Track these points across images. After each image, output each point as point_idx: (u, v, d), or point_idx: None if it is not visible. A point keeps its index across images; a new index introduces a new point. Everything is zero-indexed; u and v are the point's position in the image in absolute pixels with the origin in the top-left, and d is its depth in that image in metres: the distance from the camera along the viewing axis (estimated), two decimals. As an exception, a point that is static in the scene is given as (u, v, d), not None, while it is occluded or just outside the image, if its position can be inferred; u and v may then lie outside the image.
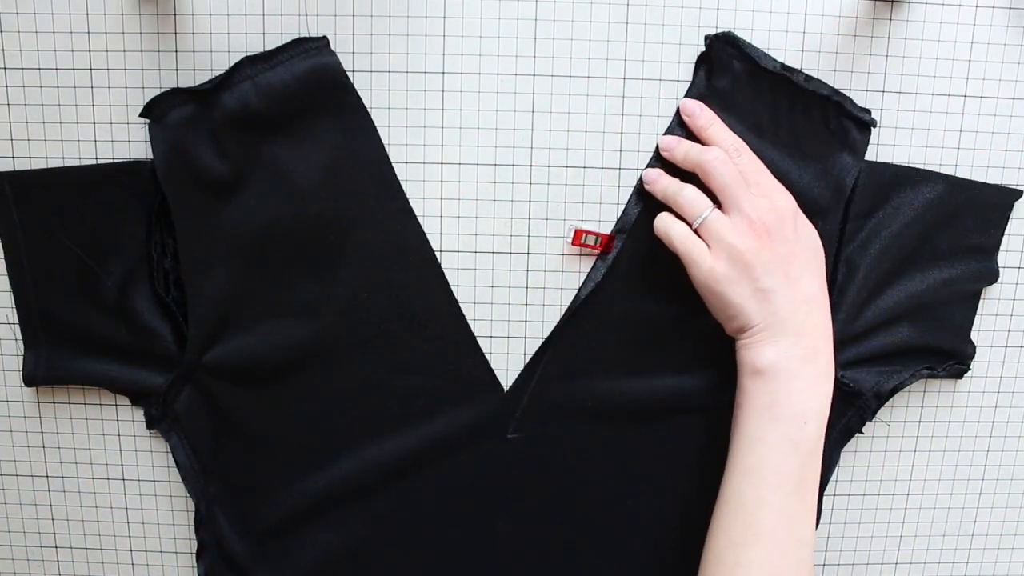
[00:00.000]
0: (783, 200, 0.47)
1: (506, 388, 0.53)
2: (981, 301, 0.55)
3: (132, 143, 0.51)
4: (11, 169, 0.51)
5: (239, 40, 0.49)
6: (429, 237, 0.51)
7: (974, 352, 0.55)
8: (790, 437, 0.45)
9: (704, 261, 0.46)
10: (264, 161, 0.49)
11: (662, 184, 0.49)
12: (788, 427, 0.45)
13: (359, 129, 0.50)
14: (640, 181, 0.51)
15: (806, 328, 0.46)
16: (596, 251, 0.51)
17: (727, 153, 0.47)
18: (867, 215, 0.52)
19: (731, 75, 0.49)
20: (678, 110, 0.50)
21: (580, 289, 0.52)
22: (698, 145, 0.48)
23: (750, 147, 0.49)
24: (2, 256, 0.52)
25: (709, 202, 0.47)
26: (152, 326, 0.51)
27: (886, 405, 0.54)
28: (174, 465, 0.54)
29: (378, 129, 0.50)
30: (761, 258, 0.45)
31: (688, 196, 0.47)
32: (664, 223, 0.48)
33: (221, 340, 0.51)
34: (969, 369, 0.55)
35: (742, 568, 0.44)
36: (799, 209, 0.47)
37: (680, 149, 0.49)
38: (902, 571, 0.59)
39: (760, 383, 0.46)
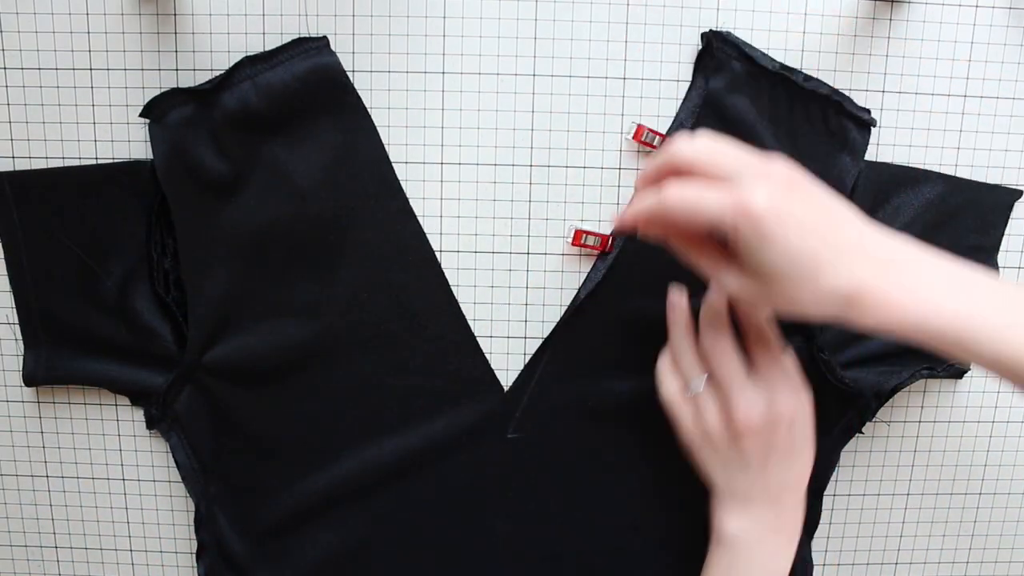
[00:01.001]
0: (784, 403, 0.44)
1: (506, 388, 0.53)
2: (981, 301, 0.55)
3: (132, 143, 0.51)
4: (11, 169, 0.51)
5: (239, 40, 0.49)
6: (429, 237, 0.51)
7: (974, 352, 0.55)
8: None
9: (684, 427, 0.46)
10: (264, 161, 0.49)
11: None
12: None
13: (359, 129, 0.50)
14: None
15: (779, 498, 0.45)
16: (596, 251, 0.51)
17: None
18: (867, 215, 0.52)
19: (730, 75, 0.49)
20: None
21: (580, 289, 0.52)
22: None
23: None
24: (2, 256, 0.52)
25: (699, 370, 0.46)
26: (152, 326, 0.51)
27: (886, 405, 0.54)
28: (174, 465, 0.54)
29: (378, 129, 0.50)
30: (734, 449, 0.45)
31: (685, 362, 0.47)
32: (659, 374, 0.48)
33: (221, 340, 0.51)
34: (969, 369, 0.55)
35: None
36: (803, 414, 0.45)
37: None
38: (902, 571, 0.59)
39: (721, 550, 0.46)
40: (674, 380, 0.47)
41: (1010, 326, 0.35)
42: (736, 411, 0.44)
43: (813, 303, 0.37)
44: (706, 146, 0.39)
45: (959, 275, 0.37)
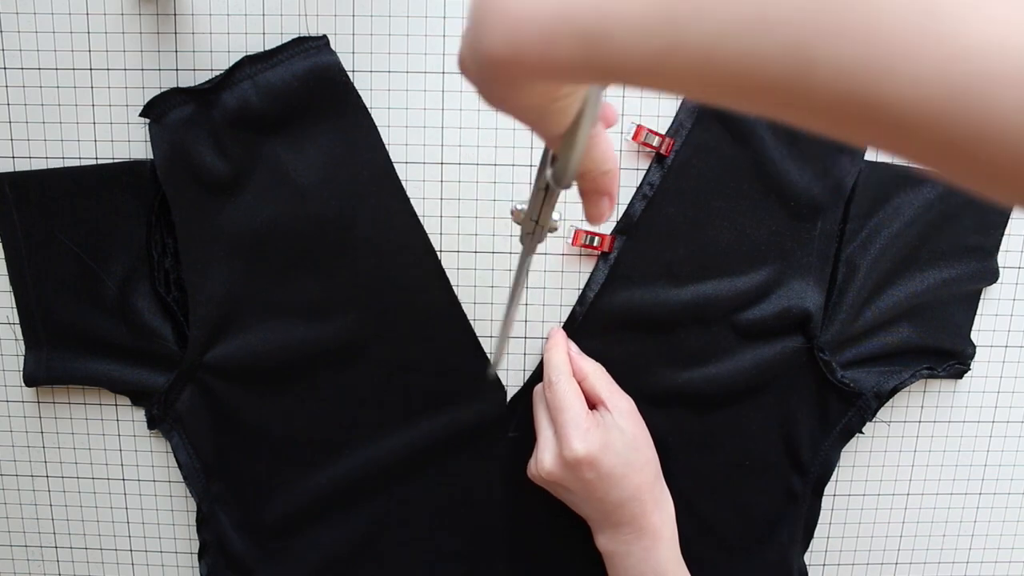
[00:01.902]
0: (577, 444, 0.47)
1: (507, 388, 0.53)
2: (981, 301, 0.55)
3: (132, 143, 0.51)
4: (11, 169, 0.51)
5: (239, 40, 0.49)
6: (429, 237, 0.51)
7: (974, 352, 0.55)
8: None
9: (539, 464, 0.48)
10: (264, 160, 0.49)
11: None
12: None
13: (359, 128, 0.50)
14: (642, 182, 0.51)
15: (624, 520, 0.48)
16: (596, 251, 0.51)
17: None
18: (867, 215, 0.52)
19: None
20: None
21: (585, 290, 0.52)
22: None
23: (749, 147, 0.49)
24: (2, 256, 0.52)
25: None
26: (153, 326, 0.51)
27: (886, 405, 0.54)
28: (174, 465, 0.54)
29: (378, 129, 0.50)
30: (569, 490, 0.48)
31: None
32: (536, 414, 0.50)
33: (222, 339, 0.51)
34: (969, 369, 0.55)
35: None
36: (607, 451, 0.47)
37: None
38: (902, 571, 0.59)
39: (606, 561, 0.50)
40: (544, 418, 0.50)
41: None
42: (564, 454, 0.47)
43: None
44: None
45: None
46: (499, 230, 0.52)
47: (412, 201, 0.51)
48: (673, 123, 0.50)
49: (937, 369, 0.54)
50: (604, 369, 0.51)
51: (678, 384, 0.52)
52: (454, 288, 0.52)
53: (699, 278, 0.51)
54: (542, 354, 0.53)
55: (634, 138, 0.50)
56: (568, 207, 0.51)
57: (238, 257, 0.50)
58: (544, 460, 0.47)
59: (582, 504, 0.49)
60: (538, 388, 0.51)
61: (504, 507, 0.54)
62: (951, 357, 0.55)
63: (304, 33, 0.49)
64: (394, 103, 0.50)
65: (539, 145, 0.51)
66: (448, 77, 0.50)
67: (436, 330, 0.52)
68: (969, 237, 0.53)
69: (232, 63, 0.47)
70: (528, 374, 0.53)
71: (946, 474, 0.57)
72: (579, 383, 0.50)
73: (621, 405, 0.49)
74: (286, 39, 0.48)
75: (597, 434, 0.47)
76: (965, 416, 0.57)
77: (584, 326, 0.52)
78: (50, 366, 0.52)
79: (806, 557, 0.57)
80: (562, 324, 0.52)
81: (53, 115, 0.50)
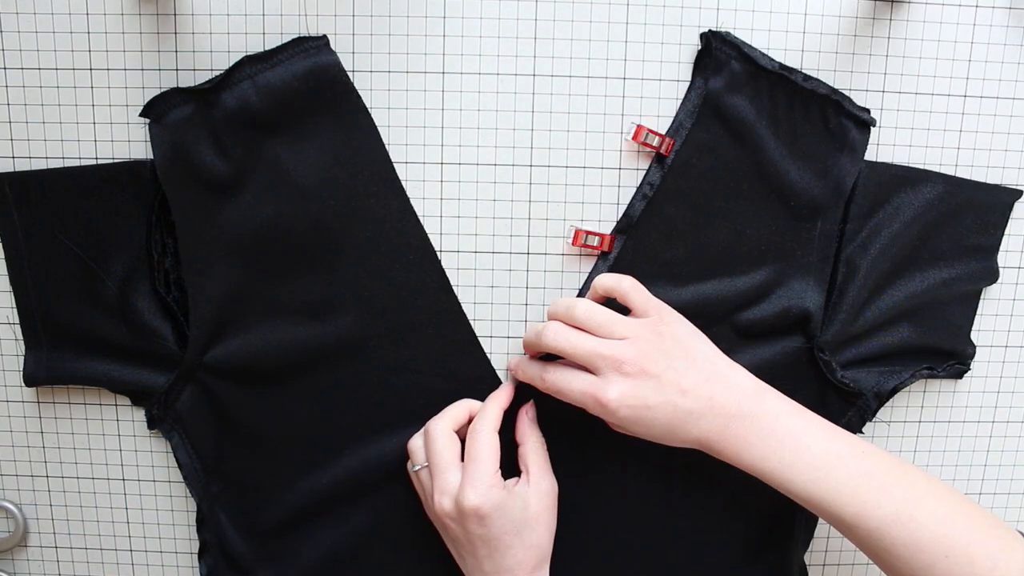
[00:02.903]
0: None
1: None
2: (981, 301, 0.55)
3: (132, 143, 0.51)
4: (11, 169, 0.51)
5: (239, 40, 0.49)
6: (429, 237, 0.51)
7: (974, 352, 0.55)
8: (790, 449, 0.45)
9: (436, 503, 0.47)
10: (265, 160, 0.49)
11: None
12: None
13: (359, 128, 0.50)
14: (642, 182, 0.51)
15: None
16: (596, 251, 0.51)
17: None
18: (867, 215, 0.52)
19: (730, 75, 0.49)
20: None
21: (585, 290, 0.52)
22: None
23: (749, 147, 0.49)
24: (2, 256, 0.52)
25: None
26: (153, 326, 0.51)
27: (886, 405, 0.54)
28: (174, 465, 0.54)
29: (378, 129, 0.50)
30: (454, 539, 0.48)
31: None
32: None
33: (222, 339, 0.51)
34: (969, 369, 0.55)
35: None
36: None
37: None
38: (902, 571, 0.59)
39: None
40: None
41: (816, 480, 0.44)
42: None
43: (672, 444, 0.46)
44: (564, 337, 0.46)
45: (780, 432, 0.45)
46: (499, 230, 0.52)
47: (412, 201, 0.51)
48: (673, 123, 0.50)
49: (937, 369, 0.54)
50: (545, 447, 0.50)
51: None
52: (453, 288, 0.52)
53: (699, 278, 0.51)
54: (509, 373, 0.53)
55: (634, 138, 0.50)
56: (568, 207, 0.51)
57: (238, 257, 0.50)
58: (442, 501, 0.47)
59: (464, 557, 0.48)
60: (443, 426, 0.49)
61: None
62: (951, 357, 0.55)
63: (304, 33, 0.49)
64: (394, 103, 0.50)
65: (539, 145, 0.51)
66: (448, 77, 0.50)
67: (436, 330, 0.52)
68: (969, 237, 0.53)
69: (232, 63, 0.47)
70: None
71: (946, 474, 0.57)
72: (518, 446, 0.50)
73: (542, 485, 0.48)
74: (286, 39, 0.48)
75: (497, 494, 0.46)
76: (965, 416, 0.57)
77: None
78: (50, 366, 0.52)
79: (806, 557, 0.57)
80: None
81: (53, 115, 0.50)
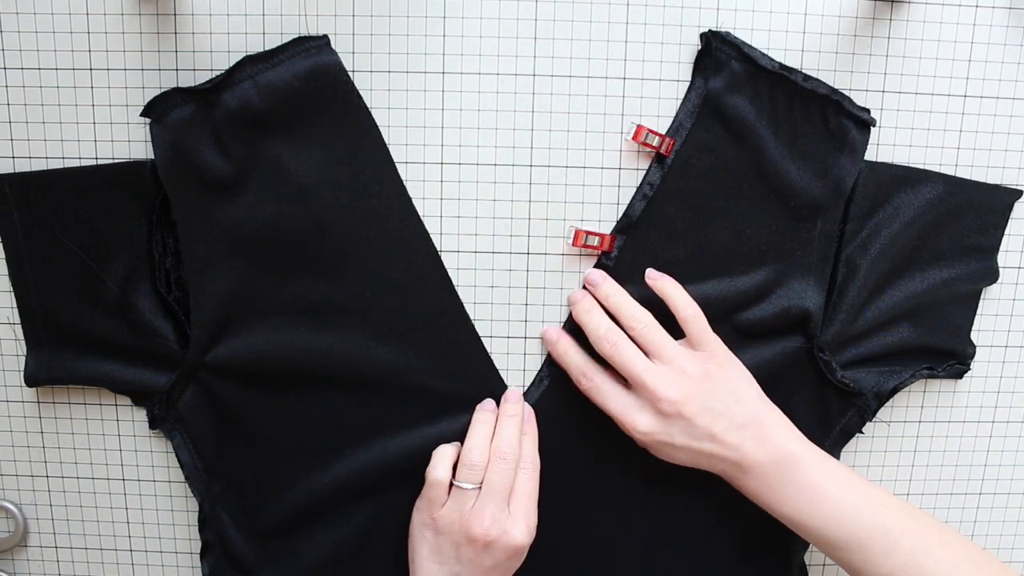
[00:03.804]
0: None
1: (509, 388, 0.53)
2: (981, 301, 0.55)
3: (132, 143, 0.51)
4: (11, 169, 0.51)
5: (239, 40, 0.49)
6: (430, 237, 0.51)
7: (974, 352, 0.55)
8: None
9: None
10: (265, 160, 0.49)
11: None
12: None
13: (360, 127, 0.50)
14: (642, 182, 0.51)
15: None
16: (596, 251, 0.51)
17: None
18: (867, 215, 0.52)
19: (730, 75, 0.49)
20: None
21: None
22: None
23: (749, 147, 0.49)
24: (2, 256, 0.52)
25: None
26: (154, 326, 0.51)
27: (886, 405, 0.54)
28: (175, 465, 0.54)
29: (379, 129, 0.50)
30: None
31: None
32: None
33: (224, 339, 0.51)
34: (969, 369, 0.55)
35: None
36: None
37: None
38: (902, 571, 0.59)
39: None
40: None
41: (830, 530, 0.46)
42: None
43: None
44: (620, 351, 0.48)
45: (801, 482, 0.47)
46: (499, 230, 0.52)
47: (412, 201, 0.51)
48: (673, 123, 0.50)
49: (937, 369, 0.54)
50: (538, 480, 0.51)
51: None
52: (455, 288, 0.52)
53: (699, 278, 0.51)
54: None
55: (634, 138, 0.50)
56: (568, 207, 0.51)
57: (239, 257, 0.50)
58: (488, 529, 0.47)
59: (442, 569, 0.48)
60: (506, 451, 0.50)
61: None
62: (951, 357, 0.55)
63: (304, 33, 0.49)
64: (394, 103, 0.50)
65: (539, 145, 0.51)
66: (448, 77, 0.50)
67: (438, 330, 0.52)
68: (969, 237, 0.53)
69: (232, 63, 0.47)
70: (529, 374, 0.53)
71: (946, 474, 0.57)
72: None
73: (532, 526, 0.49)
74: (286, 39, 0.48)
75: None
76: (965, 416, 0.57)
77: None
78: (51, 366, 0.52)
79: (806, 557, 0.57)
80: (562, 325, 0.52)
81: (53, 115, 0.50)
